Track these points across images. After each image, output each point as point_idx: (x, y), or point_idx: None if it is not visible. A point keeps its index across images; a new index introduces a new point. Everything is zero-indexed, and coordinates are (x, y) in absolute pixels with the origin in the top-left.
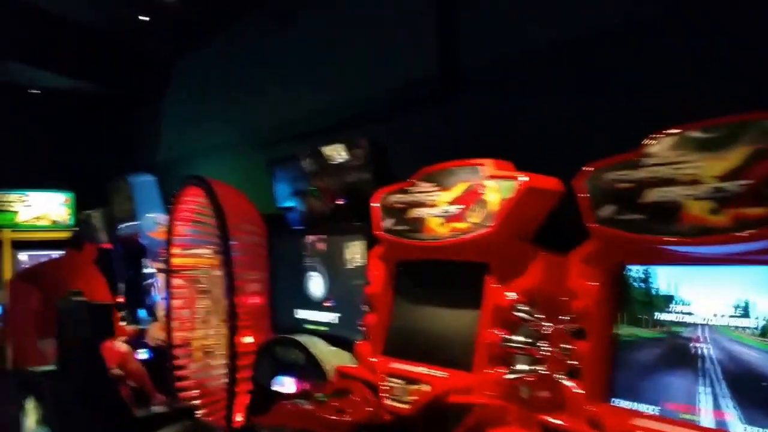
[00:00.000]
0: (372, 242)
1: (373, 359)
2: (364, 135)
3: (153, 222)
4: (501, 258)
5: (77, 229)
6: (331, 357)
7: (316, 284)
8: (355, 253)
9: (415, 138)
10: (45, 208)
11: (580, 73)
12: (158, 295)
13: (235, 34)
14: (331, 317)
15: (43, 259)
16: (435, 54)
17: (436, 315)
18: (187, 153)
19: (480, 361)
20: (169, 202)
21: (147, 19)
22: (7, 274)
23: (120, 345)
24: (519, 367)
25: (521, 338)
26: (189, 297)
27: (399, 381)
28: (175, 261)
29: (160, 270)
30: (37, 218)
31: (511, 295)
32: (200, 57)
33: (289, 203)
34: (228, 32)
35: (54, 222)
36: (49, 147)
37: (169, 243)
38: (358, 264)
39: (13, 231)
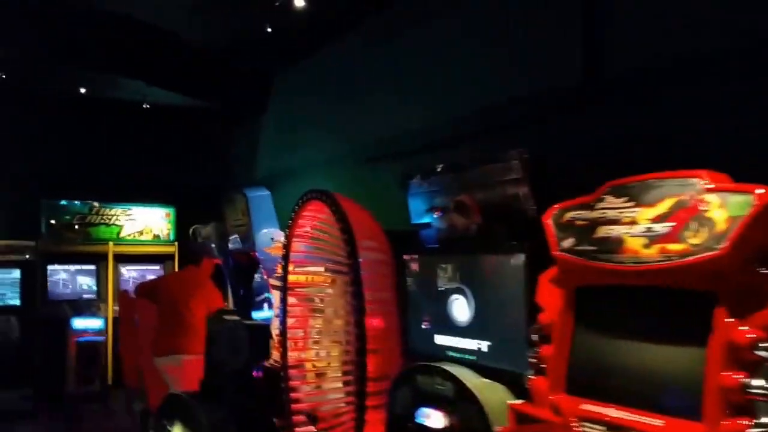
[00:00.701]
0: (533, 263)
1: (555, 398)
2: (498, 145)
3: (268, 237)
4: (733, 286)
5: (195, 243)
6: (485, 390)
7: (460, 308)
8: (510, 274)
9: (559, 148)
10: (147, 222)
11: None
12: (272, 312)
13: (341, 45)
14: (480, 345)
15: (144, 273)
16: (579, 60)
17: (637, 350)
18: (288, 168)
19: (712, 408)
20: (288, 217)
21: (270, 30)
22: (112, 287)
23: None
24: (765, 420)
25: (765, 383)
26: (302, 316)
27: (599, 427)
28: (291, 278)
29: (274, 287)
30: (140, 232)
31: (751, 332)
32: (302, 70)
33: (425, 219)
34: (332, 44)
35: (155, 236)
36: (152, 161)
37: (285, 259)
38: (515, 287)
39: (117, 244)
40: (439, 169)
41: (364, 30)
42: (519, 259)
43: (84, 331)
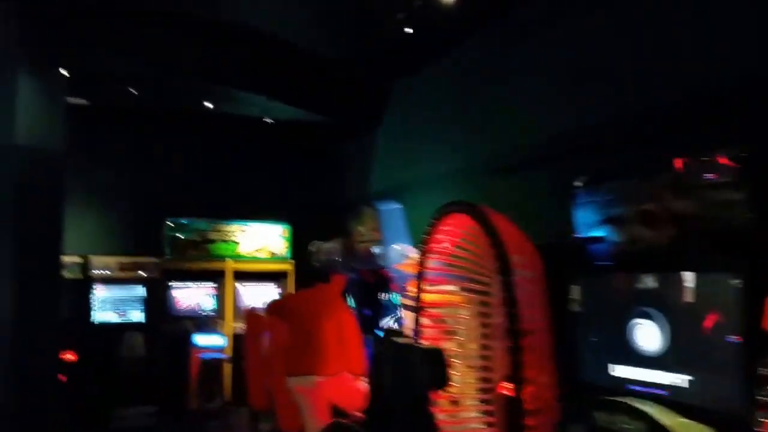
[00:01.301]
0: (753, 283)
1: None
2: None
3: (400, 253)
4: None
5: (325, 260)
6: None
7: (648, 335)
8: (722, 297)
9: None
10: (264, 239)
11: None
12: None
13: (465, 50)
14: (677, 379)
15: (261, 291)
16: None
17: None
18: (405, 182)
19: None
20: (425, 231)
21: (411, 31)
22: (231, 304)
23: (364, 386)
24: None
25: None
26: (435, 338)
27: None
28: (425, 297)
29: (406, 306)
30: (257, 249)
31: None
32: (421, 79)
33: (595, 232)
34: (455, 50)
35: (272, 254)
36: (268, 177)
37: (419, 277)
38: (728, 311)
39: (235, 261)
40: (615, 175)
41: (492, 33)
42: (734, 278)
43: (206, 348)
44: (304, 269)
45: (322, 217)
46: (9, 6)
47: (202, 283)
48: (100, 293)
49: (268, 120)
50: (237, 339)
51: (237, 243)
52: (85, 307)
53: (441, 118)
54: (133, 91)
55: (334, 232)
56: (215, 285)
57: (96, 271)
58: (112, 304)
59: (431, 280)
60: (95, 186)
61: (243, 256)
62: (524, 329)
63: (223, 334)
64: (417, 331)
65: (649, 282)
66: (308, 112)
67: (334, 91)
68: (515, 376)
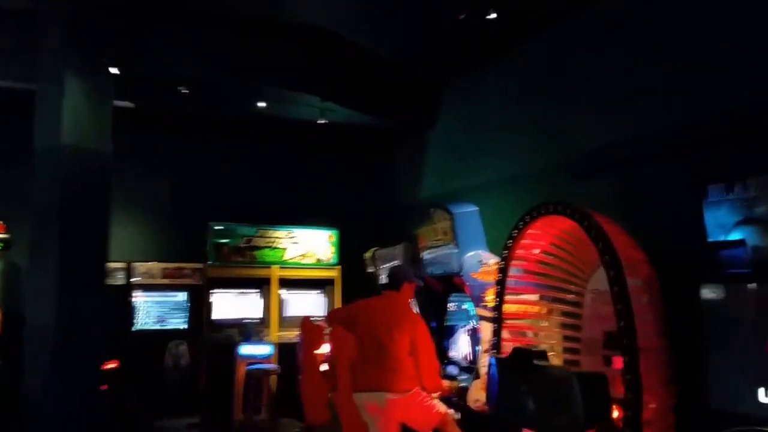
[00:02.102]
0: None
1: None
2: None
3: (476, 260)
4: None
5: (395, 266)
6: None
7: None
8: None
9: None
10: (310, 245)
11: None
12: (480, 347)
13: (526, 50)
14: None
15: (306, 299)
16: None
17: None
18: (458, 188)
19: None
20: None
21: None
22: (276, 312)
23: (438, 404)
24: None
25: None
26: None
27: None
28: (506, 308)
29: (483, 318)
30: (303, 255)
31: None
32: (477, 79)
33: (733, 236)
34: (515, 49)
35: (318, 260)
36: (314, 182)
37: (501, 285)
38: None
39: (281, 268)
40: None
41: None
42: None
43: (252, 358)
44: (351, 276)
45: (371, 222)
46: (58, 5)
47: (247, 290)
48: (142, 300)
49: (321, 121)
50: (283, 349)
51: (283, 249)
52: (128, 315)
53: (504, 119)
54: (184, 91)
55: (383, 237)
56: (260, 292)
57: (138, 278)
58: (155, 312)
59: (514, 289)
60: (138, 190)
61: (289, 263)
62: (638, 345)
63: (269, 344)
64: (498, 346)
65: None
66: (359, 114)
67: (388, 92)
68: (629, 400)
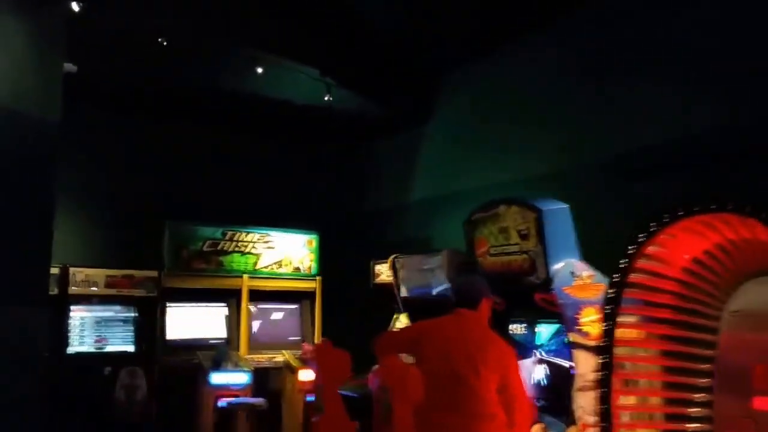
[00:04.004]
0: None
1: None
2: None
3: (568, 271)
4: None
5: (467, 277)
6: None
7: None
8: None
9: None
10: (287, 251)
11: None
12: (575, 383)
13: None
14: None
15: (279, 314)
16: None
17: None
18: (456, 191)
19: None
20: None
21: None
22: (245, 332)
23: None
24: None
25: None
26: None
27: None
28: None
29: (579, 345)
30: (279, 263)
31: None
32: (483, 66)
33: None
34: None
35: (296, 269)
36: (292, 177)
37: (613, 303)
38: None
39: (252, 278)
40: None
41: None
42: None
43: (225, 388)
44: (333, 289)
45: (352, 227)
46: None
47: (211, 303)
48: (79, 315)
49: (328, 98)
50: (257, 376)
51: (256, 255)
52: (61, 333)
53: (523, 110)
54: (164, 43)
55: (368, 243)
56: (226, 306)
57: (76, 288)
58: (94, 329)
59: (628, 309)
60: (77, 178)
61: (262, 272)
62: None
63: (246, 371)
64: (607, 382)
65: None
66: (348, 99)
67: (387, 72)
68: None
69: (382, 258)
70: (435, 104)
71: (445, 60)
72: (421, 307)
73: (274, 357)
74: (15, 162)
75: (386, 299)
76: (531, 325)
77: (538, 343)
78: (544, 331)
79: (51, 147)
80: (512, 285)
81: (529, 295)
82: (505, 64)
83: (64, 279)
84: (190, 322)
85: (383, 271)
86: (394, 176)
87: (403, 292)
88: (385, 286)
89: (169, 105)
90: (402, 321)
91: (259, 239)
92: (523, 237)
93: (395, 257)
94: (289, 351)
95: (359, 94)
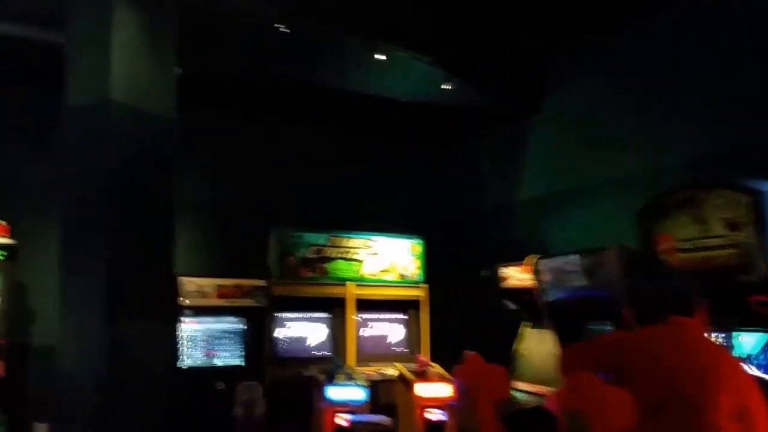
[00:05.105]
0: None
1: None
2: None
3: None
4: None
5: (676, 278)
6: None
7: None
8: None
9: None
10: (392, 257)
11: None
12: None
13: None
14: None
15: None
16: None
17: None
18: (576, 187)
19: None
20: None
21: None
22: (352, 343)
23: None
24: None
25: None
26: None
27: None
28: None
29: None
30: (385, 270)
31: None
32: (600, 52)
33: None
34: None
35: (402, 276)
36: (395, 181)
37: None
38: None
39: (359, 286)
40: None
41: None
42: None
43: (342, 404)
44: (440, 297)
45: (459, 231)
46: None
47: (316, 313)
48: (191, 327)
49: (446, 86)
50: (377, 390)
51: (360, 262)
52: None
53: (652, 99)
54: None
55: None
56: (330, 317)
57: (189, 299)
58: (204, 342)
59: None
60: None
61: (367, 279)
62: None
63: (363, 385)
64: None
65: None
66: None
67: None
68: None
69: (513, 260)
70: (544, 93)
71: (555, 44)
72: (574, 312)
73: (383, 369)
74: (138, 164)
75: (518, 305)
76: (728, 334)
77: (740, 354)
78: (749, 340)
79: (169, 145)
80: (713, 286)
81: (732, 298)
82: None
83: (174, 289)
84: (296, 332)
85: (512, 274)
86: (501, 175)
87: (550, 296)
88: (515, 291)
89: (271, 107)
90: (532, 331)
91: (362, 245)
92: (733, 227)
93: (538, 258)
94: (400, 363)
95: (468, 83)
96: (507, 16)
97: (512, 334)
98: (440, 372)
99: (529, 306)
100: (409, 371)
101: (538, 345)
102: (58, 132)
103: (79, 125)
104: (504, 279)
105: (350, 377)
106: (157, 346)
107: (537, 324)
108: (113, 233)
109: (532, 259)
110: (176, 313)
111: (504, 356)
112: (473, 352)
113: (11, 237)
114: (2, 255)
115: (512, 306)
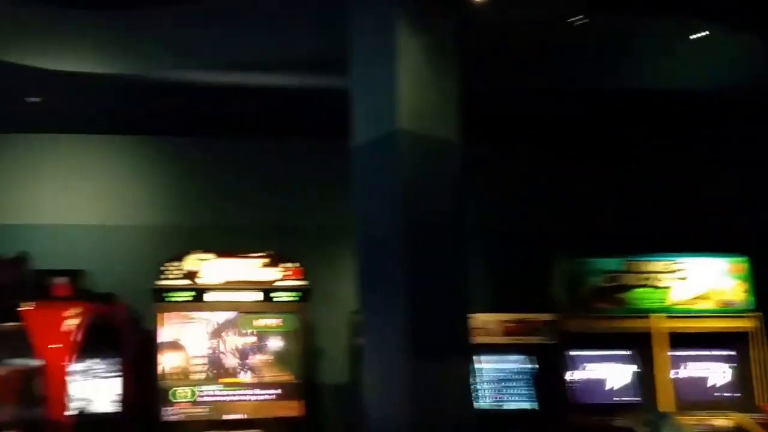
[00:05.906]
0: None
1: None
2: None
3: None
4: None
5: None
6: None
7: None
8: None
9: None
10: (707, 282)
11: None
12: None
13: None
14: None
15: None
16: None
17: None
18: None
19: None
20: None
21: None
22: (666, 387)
23: None
24: None
25: None
26: None
27: None
28: None
29: None
30: (698, 297)
31: None
32: None
33: None
34: None
35: (723, 304)
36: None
37: None
38: None
39: (668, 318)
40: None
41: None
42: None
43: None
44: None
45: None
46: None
47: (615, 351)
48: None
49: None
50: None
51: (665, 289)
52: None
53: None
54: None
55: None
56: (632, 355)
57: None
58: (493, 383)
59: None
60: None
61: (677, 309)
62: None
63: None
64: None
65: None
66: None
67: None
68: None
69: None
70: None
71: None
72: None
73: (709, 420)
74: (430, 193)
75: None
76: None
77: None
78: None
79: (456, 174)
80: None
81: None
82: None
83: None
84: (594, 373)
85: None
86: None
87: None
88: None
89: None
90: None
91: (667, 268)
92: None
93: None
94: (732, 411)
95: None
96: None
97: None
98: None
99: None
100: (755, 422)
101: None
102: (340, 175)
103: (366, 163)
104: None
105: (677, 431)
106: (459, 387)
107: None
108: (411, 266)
109: None
110: (473, 351)
111: None
112: None
113: (304, 279)
114: (297, 296)
115: None
